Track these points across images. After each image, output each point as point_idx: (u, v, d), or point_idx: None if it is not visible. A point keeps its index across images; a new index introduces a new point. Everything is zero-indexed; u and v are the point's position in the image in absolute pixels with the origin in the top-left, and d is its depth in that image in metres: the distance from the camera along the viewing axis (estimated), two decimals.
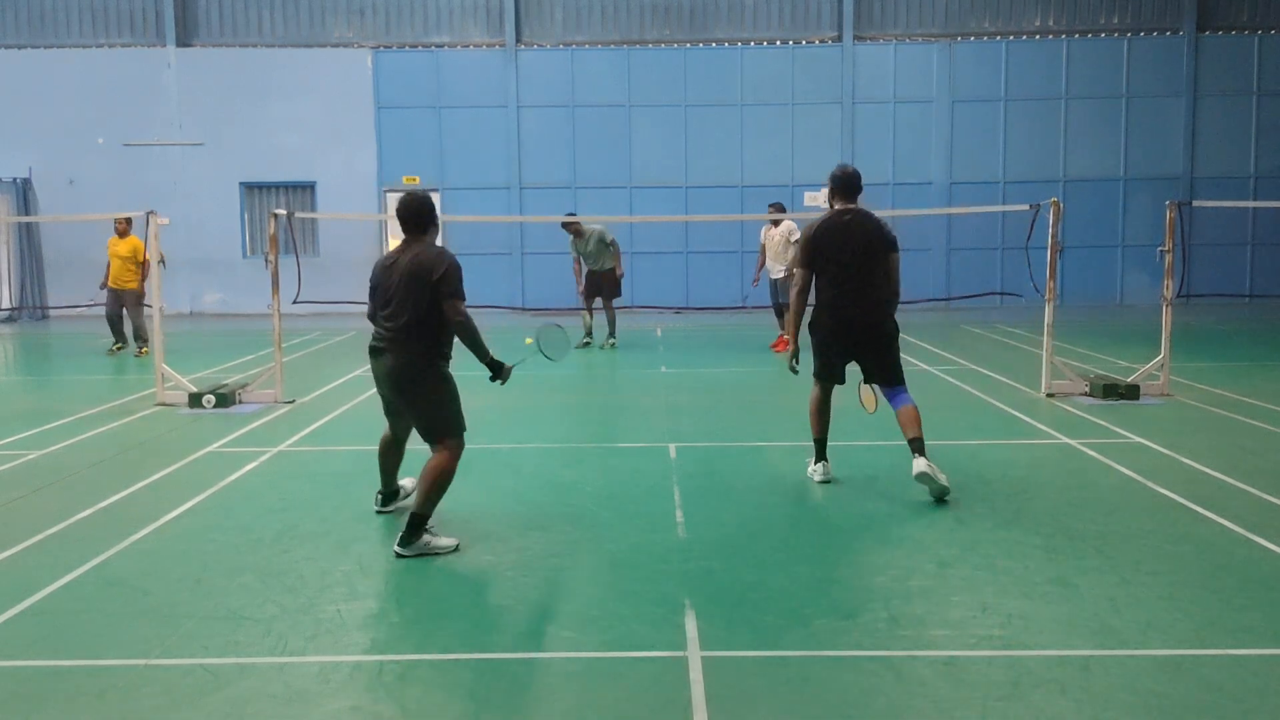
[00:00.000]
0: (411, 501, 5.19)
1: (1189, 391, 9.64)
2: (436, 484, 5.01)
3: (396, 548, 4.96)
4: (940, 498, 5.86)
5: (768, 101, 21.01)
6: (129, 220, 13.38)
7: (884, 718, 3.33)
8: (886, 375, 6.23)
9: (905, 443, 6.06)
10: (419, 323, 5.03)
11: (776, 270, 13.07)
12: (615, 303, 13.87)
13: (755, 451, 7.43)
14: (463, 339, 5.13)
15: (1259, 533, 5.19)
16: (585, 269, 13.75)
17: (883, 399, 6.28)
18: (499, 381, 5.33)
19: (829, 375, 6.35)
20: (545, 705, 3.43)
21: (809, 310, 6.37)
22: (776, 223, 13.26)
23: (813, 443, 6.47)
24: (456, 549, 5.01)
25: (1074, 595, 4.37)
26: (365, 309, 5.33)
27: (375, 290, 5.22)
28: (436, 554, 4.95)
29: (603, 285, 13.67)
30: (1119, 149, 21.13)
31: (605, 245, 13.59)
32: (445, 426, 5.12)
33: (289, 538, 5.30)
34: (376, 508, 5.75)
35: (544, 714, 3.37)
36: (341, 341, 15.36)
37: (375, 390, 5.37)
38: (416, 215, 5.18)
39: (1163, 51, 20.95)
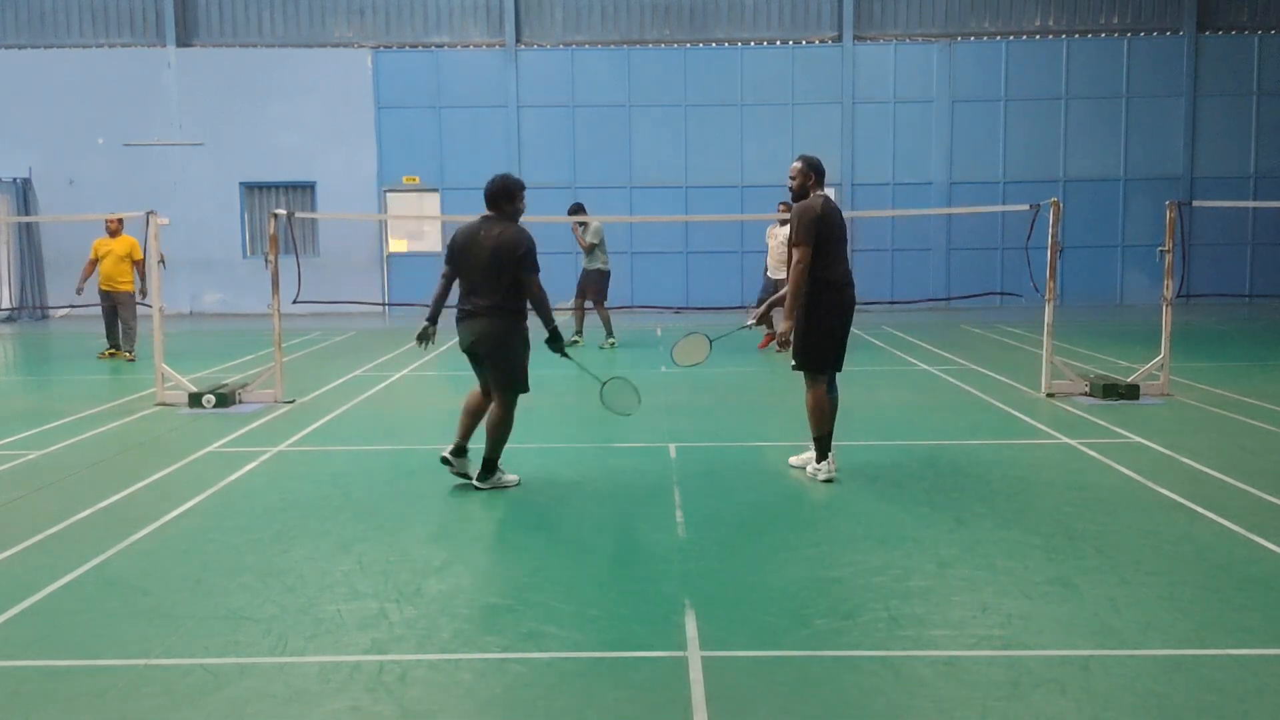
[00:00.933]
0: (481, 450, 6.22)
1: (1189, 391, 9.64)
2: (501, 431, 6.14)
3: (475, 482, 6.17)
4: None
5: (768, 101, 21.02)
6: (120, 220, 13.18)
7: (884, 718, 3.33)
8: (841, 362, 6.47)
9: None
10: (505, 295, 5.96)
11: (780, 271, 12.99)
12: (606, 303, 13.84)
13: (755, 451, 7.42)
14: (535, 308, 6.07)
15: (1259, 533, 5.19)
16: (584, 266, 13.79)
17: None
18: (556, 349, 6.23)
19: (837, 362, 6.39)
20: (545, 705, 3.43)
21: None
22: (784, 222, 13.23)
23: (815, 441, 6.43)
24: (518, 484, 6.27)
25: (1074, 595, 4.37)
26: (441, 270, 6.29)
27: (455, 259, 6.12)
28: (506, 487, 6.19)
29: (587, 287, 13.65)
30: (1119, 149, 21.13)
31: (600, 240, 13.62)
32: (513, 383, 6.11)
33: (289, 538, 5.30)
34: (443, 455, 6.31)
35: (544, 714, 3.37)
36: (341, 341, 15.36)
37: (461, 353, 6.26)
38: (504, 193, 6.13)
39: (1163, 51, 20.95)
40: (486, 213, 6.19)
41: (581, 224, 13.71)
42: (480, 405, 6.29)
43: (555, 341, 6.21)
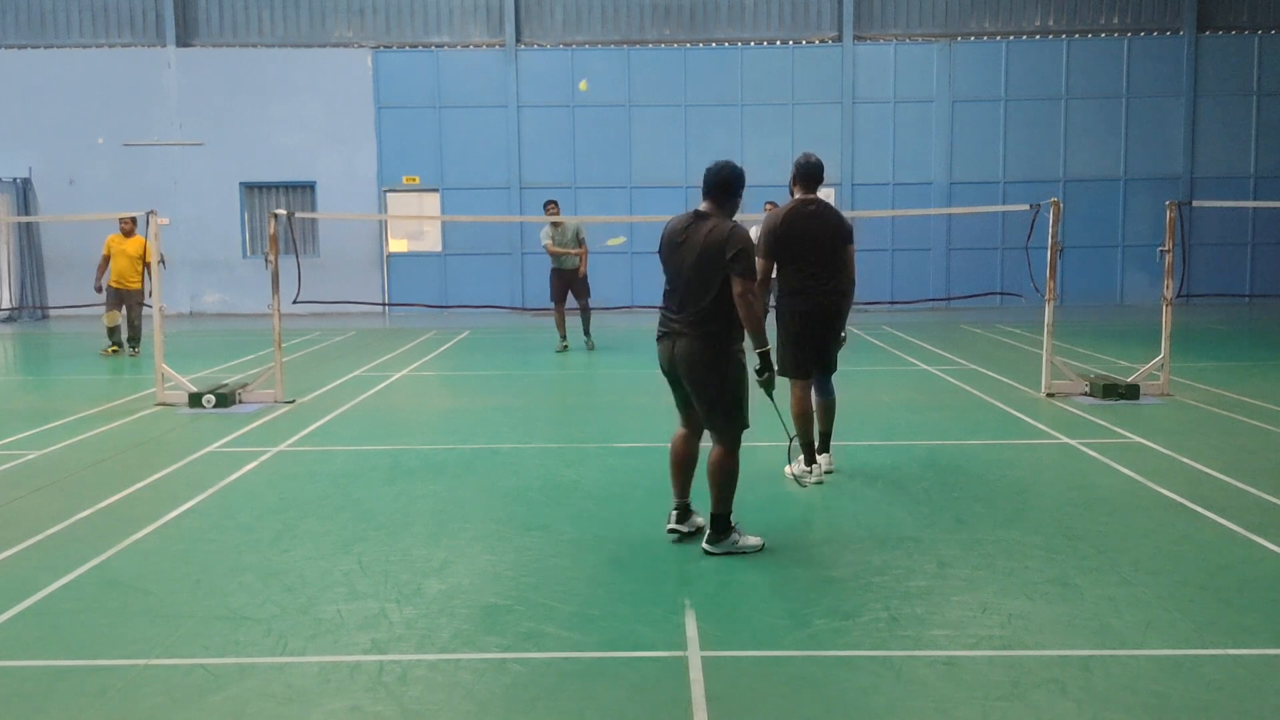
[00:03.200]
0: (704, 517, 5.04)
1: (1189, 391, 9.64)
2: (725, 479, 4.90)
3: (706, 545, 4.93)
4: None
5: (768, 101, 21.03)
6: (134, 219, 13.36)
7: (884, 718, 3.33)
8: (828, 363, 6.40)
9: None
10: (714, 302, 4.76)
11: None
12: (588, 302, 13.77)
13: (754, 451, 7.41)
14: (744, 318, 4.77)
15: (1259, 533, 5.19)
16: (552, 267, 13.63)
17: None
18: (762, 378, 4.90)
19: (806, 369, 6.32)
20: (545, 705, 3.43)
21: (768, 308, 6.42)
22: None
23: (800, 446, 6.28)
24: (762, 548, 4.96)
25: (1074, 595, 4.37)
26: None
27: (665, 262, 4.98)
28: (744, 553, 4.90)
29: (572, 284, 13.58)
30: (1119, 149, 21.13)
31: (579, 242, 13.52)
32: (729, 417, 4.88)
33: (289, 538, 5.30)
34: (669, 526, 5.12)
35: (544, 714, 3.37)
36: (342, 341, 15.36)
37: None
38: (725, 184, 4.95)
39: (1163, 51, 20.95)
40: (700, 208, 5.01)
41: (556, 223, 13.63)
42: (684, 442, 5.13)
43: (767, 368, 4.91)
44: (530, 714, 3.38)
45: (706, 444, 5.10)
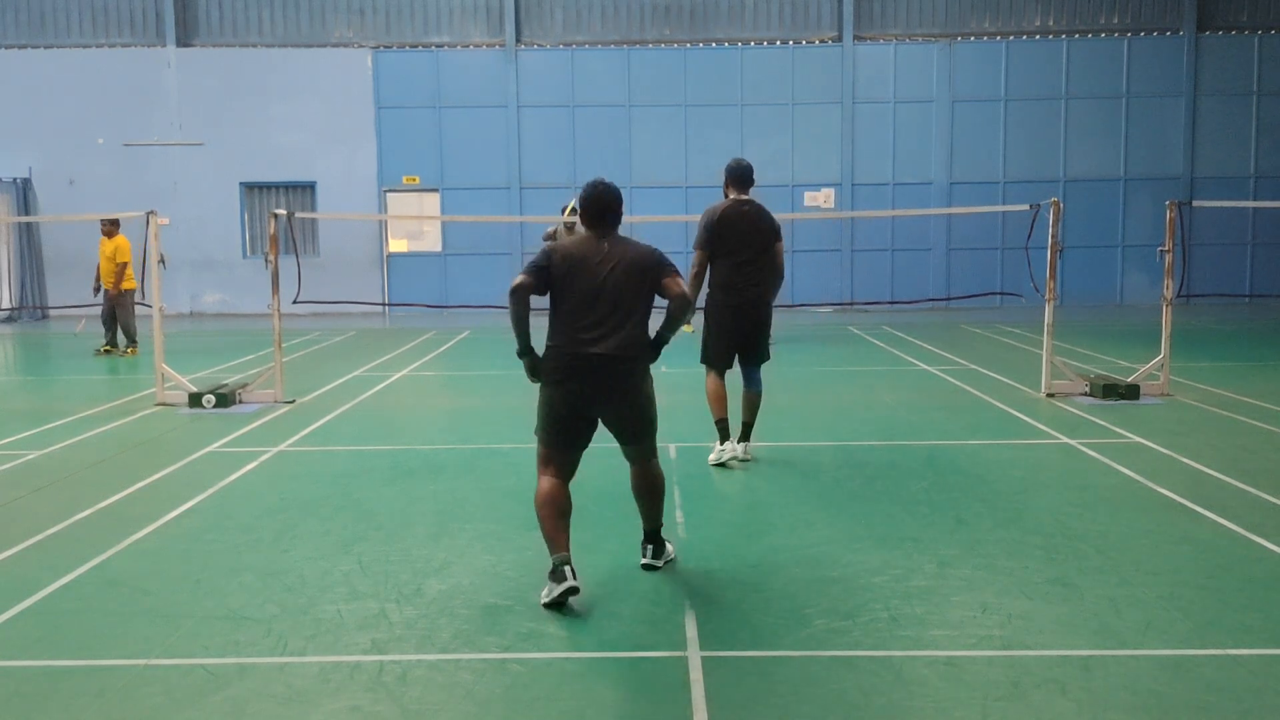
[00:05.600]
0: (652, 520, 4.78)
1: (1189, 391, 9.64)
2: (662, 493, 4.74)
3: (653, 560, 4.73)
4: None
5: (768, 101, 21.03)
6: (114, 221, 13.48)
7: (884, 718, 3.33)
8: (759, 355, 6.84)
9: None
10: (642, 317, 4.52)
11: None
12: None
13: (755, 451, 7.42)
14: (681, 313, 4.51)
15: (1259, 533, 5.19)
16: None
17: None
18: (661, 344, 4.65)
19: (726, 359, 6.81)
20: (545, 705, 3.43)
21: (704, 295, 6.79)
22: None
23: (716, 425, 6.84)
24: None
25: (1074, 595, 4.37)
26: (520, 279, 4.46)
27: (564, 292, 4.45)
28: (671, 560, 4.83)
29: None
30: (1119, 149, 21.14)
31: None
32: (653, 427, 4.68)
33: (289, 538, 5.30)
34: (563, 586, 4.22)
35: (544, 714, 3.37)
36: (342, 341, 15.35)
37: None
38: (618, 207, 4.59)
39: (1163, 51, 20.96)
40: (595, 231, 4.58)
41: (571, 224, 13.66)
42: (562, 490, 4.53)
43: (660, 346, 4.69)
44: (530, 714, 3.38)
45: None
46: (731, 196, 6.72)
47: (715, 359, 6.79)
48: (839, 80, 21.04)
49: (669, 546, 4.89)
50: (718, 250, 6.58)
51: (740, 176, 6.71)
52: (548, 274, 4.46)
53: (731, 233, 6.57)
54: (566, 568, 4.23)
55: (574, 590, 4.22)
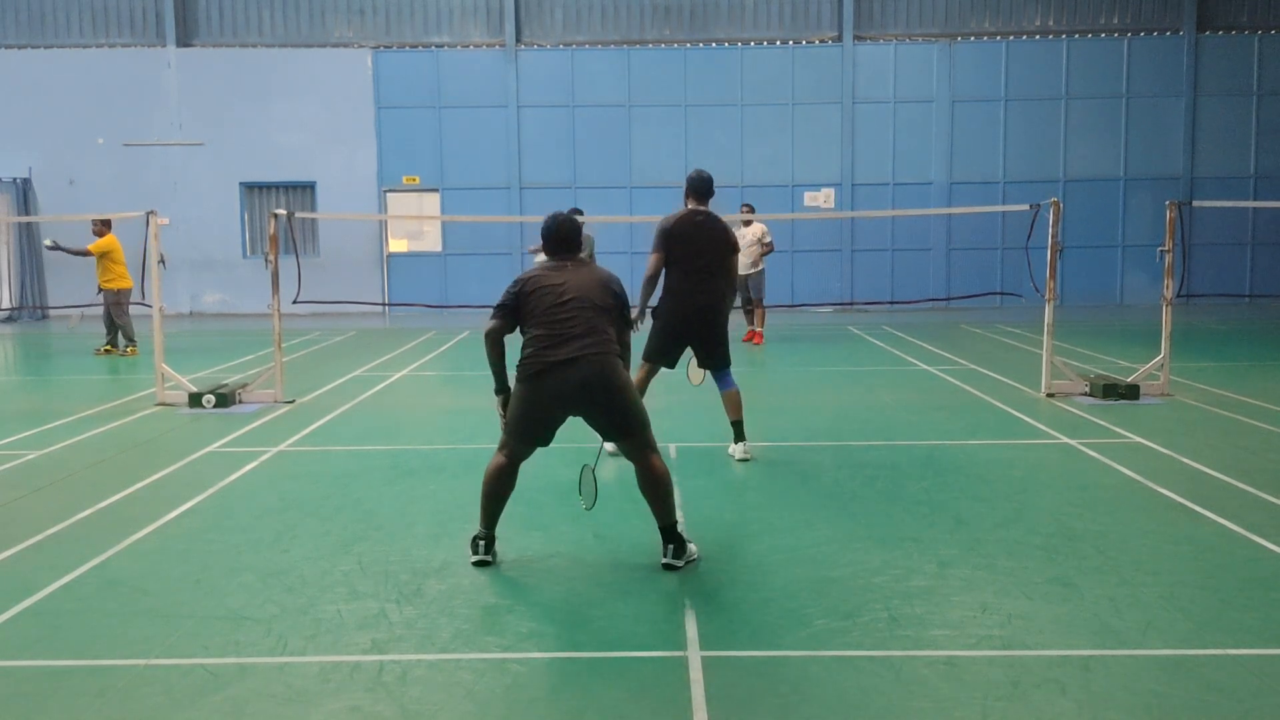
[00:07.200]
0: (661, 517, 4.81)
1: (1189, 391, 9.64)
2: (671, 488, 4.82)
3: (673, 560, 4.72)
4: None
5: (768, 101, 21.03)
6: (105, 222, 13.54)
7: (884, 718, 3.33)
8: (717, 361, 6.93)
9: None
10: (608, 324, 4.81)
11: (746, 267, 13.49)
12: None
13: (754, 451, 7.42)
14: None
15: (1259, 533, 5.19)
16: None
17: (710, 381, 7.05)
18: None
19: (663, 359, 6.90)
20: (545, 705, 3.43)
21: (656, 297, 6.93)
22: (748, 223, 14.03)
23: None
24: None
25: (1074, 595, 4.37)
26: (491, 324, 4.97)
27: (534, 310, 4.80)
28: (694, 559, 4.82)
29: None
30: (1119, 149, 21.14)
31: (591, 255, 13.54)
32: (639, 420, 4.79)
33: (289, 538, 5.30)
34: (476, 557, 4.80)
35: (544, 714, 3.37)
36: (342, 341, 15.35)
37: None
38: (576, 238, 5.07)
39: (1163, 51, 20.96)
40: (560, 259, 5.00)
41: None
42: (510, 474, 4.91)
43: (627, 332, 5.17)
44: (530, 714, 3.38)
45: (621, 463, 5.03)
46: (690, 206, 6.87)
47: (652, 355, 6.91)
48: (839, 80, 21.04)
49: (691, 546, 4.86)
50: (670, 257, 6.75)
51: (700, 188, 6.87)
52: (515, 311, 4.92)
53: (681, 242, 6.73)
54: (482, 542, 4.83)
55: (485, 564, 4.79)
